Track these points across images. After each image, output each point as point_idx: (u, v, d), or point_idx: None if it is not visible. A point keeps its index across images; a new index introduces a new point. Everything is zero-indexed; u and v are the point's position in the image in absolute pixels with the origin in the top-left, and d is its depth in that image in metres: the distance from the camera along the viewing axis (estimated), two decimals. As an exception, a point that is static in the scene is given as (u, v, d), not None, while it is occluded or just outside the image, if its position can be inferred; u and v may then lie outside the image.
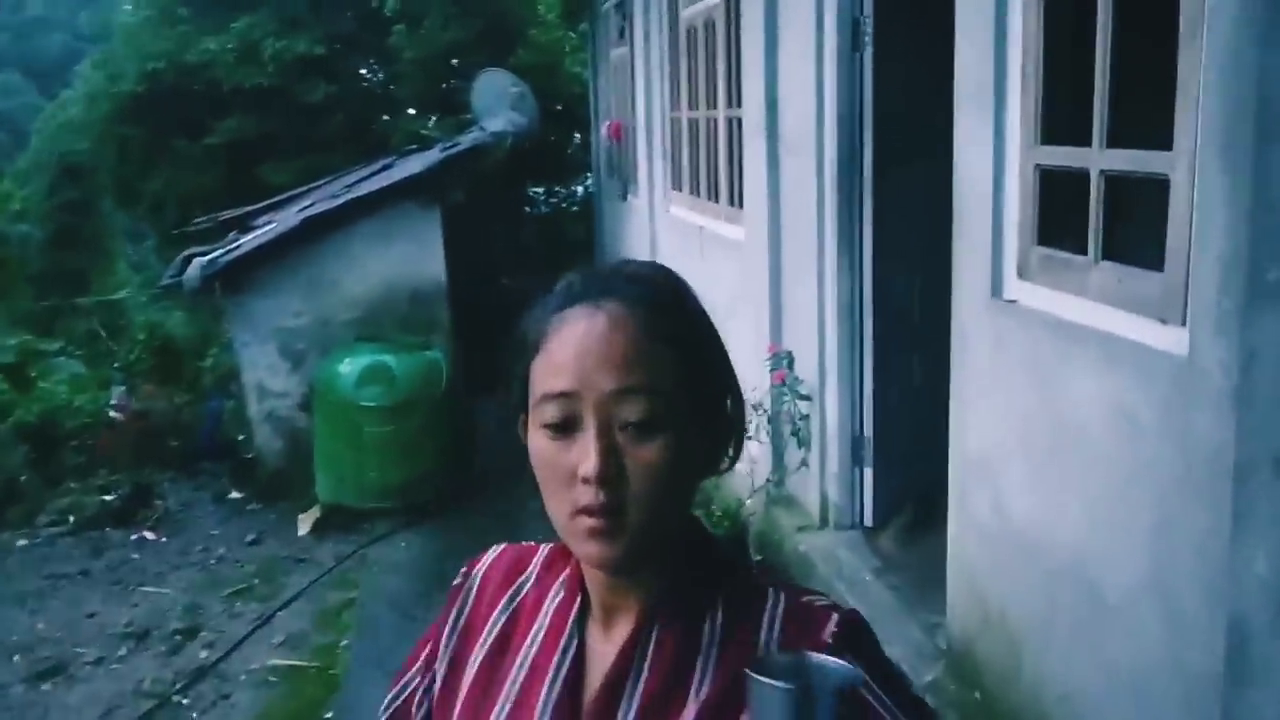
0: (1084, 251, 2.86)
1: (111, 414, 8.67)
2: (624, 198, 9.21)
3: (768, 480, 4.96)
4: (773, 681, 0.89)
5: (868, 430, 4.51)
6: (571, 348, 1.02)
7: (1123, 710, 2.72)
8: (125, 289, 11.56)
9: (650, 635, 1.09)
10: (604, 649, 1.10)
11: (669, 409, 1.02)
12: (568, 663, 1.11)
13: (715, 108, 6.17)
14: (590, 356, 1.01)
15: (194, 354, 9.86)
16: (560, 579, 1.17)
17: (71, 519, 7.36)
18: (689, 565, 1.11)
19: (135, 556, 6.87)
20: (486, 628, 1.18)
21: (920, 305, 4.35)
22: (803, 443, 4.66)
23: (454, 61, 12.17)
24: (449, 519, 7.14)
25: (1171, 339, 2.50)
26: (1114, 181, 2.80)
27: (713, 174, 6.32)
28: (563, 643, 1.12)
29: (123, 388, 9.16)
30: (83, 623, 5.94)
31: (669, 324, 1.05)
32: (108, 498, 7.54)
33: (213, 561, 6.76)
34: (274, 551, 6.87)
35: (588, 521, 1.01)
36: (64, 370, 9.98)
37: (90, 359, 10.30)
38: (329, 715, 4.88)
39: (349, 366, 7.14)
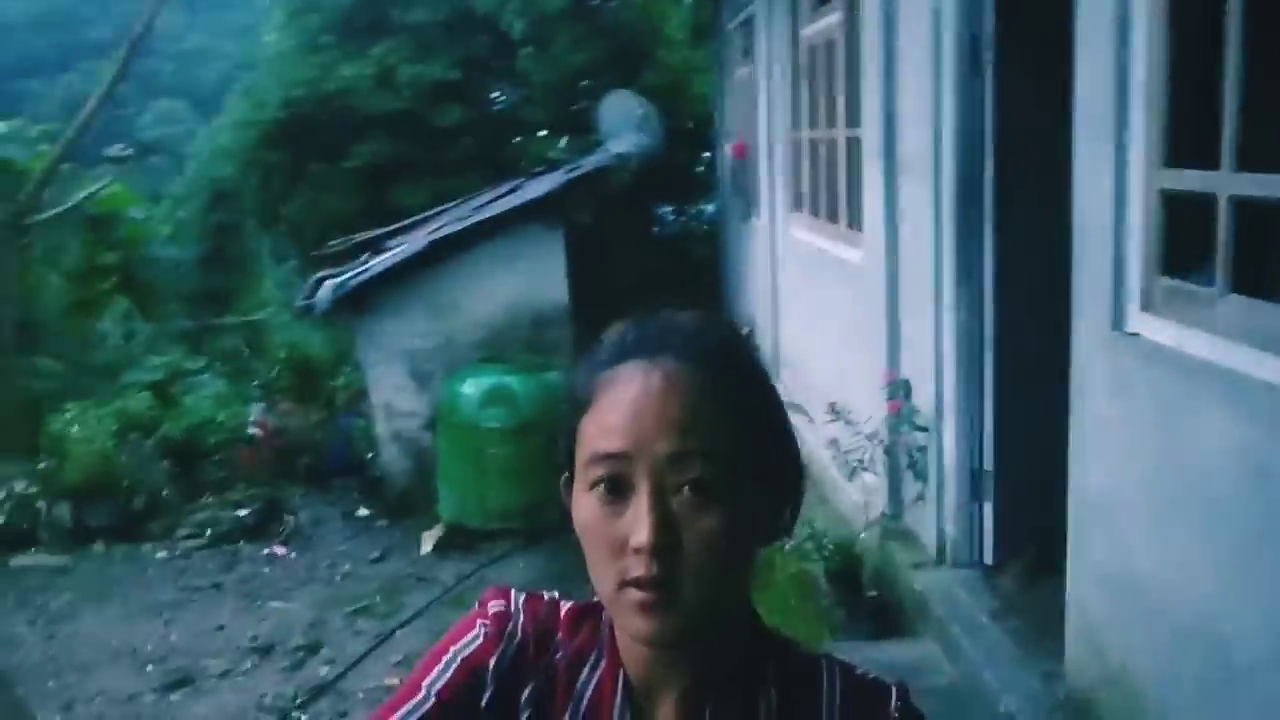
0: (1212, 283, 2.67)
1: (251, 431, 8.97)
2: (747, 219, 9.12)
3: (883, 514, 4.80)
4: None
5: (988, 464, 4.32)
6: (625, 407, 0.96)
7: (1252, 781, 2.52)
8: (267, 309, 12.00)
9: (703, 718, 1.02)
10: None
11: (729, 475, 0.95)
12: None
13: (835, 127, 6.05)
14: (645, 417, 0.95)
15: (328, 373, 10.13)
16: (594, 648, 1.08)
17: (208, 533, 7.62)
18: (739, 640, 1.05)
19: (265, 571, 7.07)
20: (529, 689, 1.07)
21: (1043, 336, 4.14)
22: (920, 475, 4.49)
23: (583, 83, 12.28)
24: (567, 541, 7.08)
25: (1307, 381, 2.31)
26: (1245, 208, 2.61)
27: (832, 195, 6.19)
28: None
29: (262, 405, 9.48)
30: (212, 635, 6.13)
31: (728, 383, 0.98)
32: (243, 513, 7.79)
33: (338, 578, 6.91)
34: (397, 569, 6.99)
35: (638, 595, 0.94)
36: (208, 387, 10.38)
37: (233, 377, 10.69)
38: (440, 738, 4.91)
39: (472, 388, 7.24)
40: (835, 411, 4.94)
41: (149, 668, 5.77)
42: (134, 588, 6.89)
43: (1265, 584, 2.45)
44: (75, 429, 8.41)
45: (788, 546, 4.70)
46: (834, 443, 4.97)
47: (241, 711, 5.27)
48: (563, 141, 11.80)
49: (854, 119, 5.54)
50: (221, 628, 6.21)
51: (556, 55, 11.99)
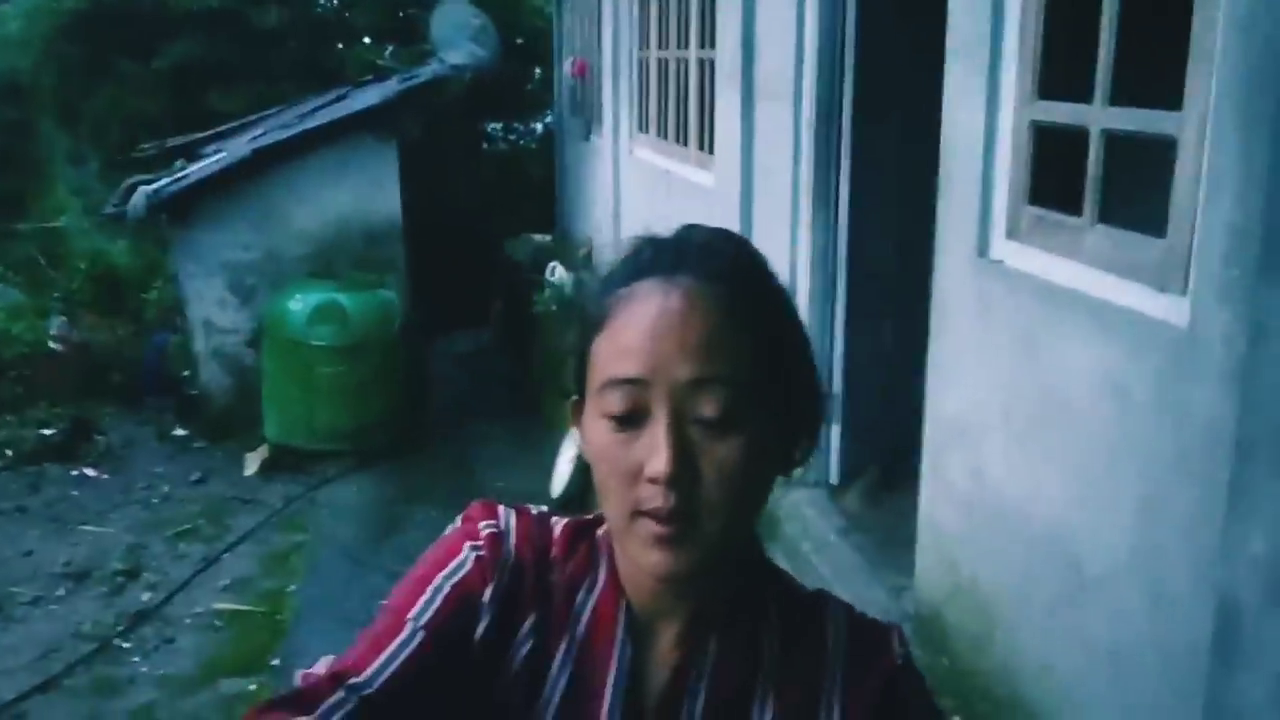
0: (1079, 213, 2.76)
1: (52, 345, 8.38)
2: (587, 138, 9.01)
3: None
4: None
5: (836, 387, 4.42)
6: (642, 329, 0.89)
7: (1100, 686, 2.67)
8: (65, 215, 11.19)
9: (706, 651, 0.98)
10: (657, 657, 0.99)
11: (750, 402, 0.90)
12: (623, 681, 0.97)
13: (686, 48, 6.00)
14: (664, 340, 0.88)
15: (138, 285, 9.56)
16: (590, 570, 1.01)
17: (8, 453, 7.13)
18: (740, 571, 1.01)
19: (75, 493, 6.68)
20: (530, 620, 1.00)
21: (897, 264, 4.25)
22: (769, 397, 4.57)
23: (413, -10, 11.81)
24: (401, 463, 7.02)
25: (1170, 308, 2.41)
26: (1112, 143, 2.70)
27: (682, 117, 6.15)
28: (616, 659, 0.98)
29: (63, 318, 8.86)
30: (19, 561, 5.77)
31: (750, 304, 0.92)
32: (47, 432, 7.31)
33: (156, 500, 6.59)
34: (220, 492, 6.71)
35: (653, 527, 0.89)
36: (1, 298, 9.64)
37: (29, 287, 9.95)
38: (275, 661, 4.76)
39: (300, 304, 6.95)
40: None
41: (-52, 596, 5.39)
42: (-76, 511, 6.39)
43: (1118, 499, 2.58)
44: None
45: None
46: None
47: (56, 639, 4.99)
48: (389, 50, 11.35)
49: (708, 40, 5.49)
50: (30, 553, 5.85)
51: (386, -42, 11.48)
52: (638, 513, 0.89)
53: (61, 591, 5.44)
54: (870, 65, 4.20)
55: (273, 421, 7.10)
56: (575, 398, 0.98)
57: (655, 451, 0.88)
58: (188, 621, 5.17)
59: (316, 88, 10.50)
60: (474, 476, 6.61)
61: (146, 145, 9.33)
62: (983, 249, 3.15)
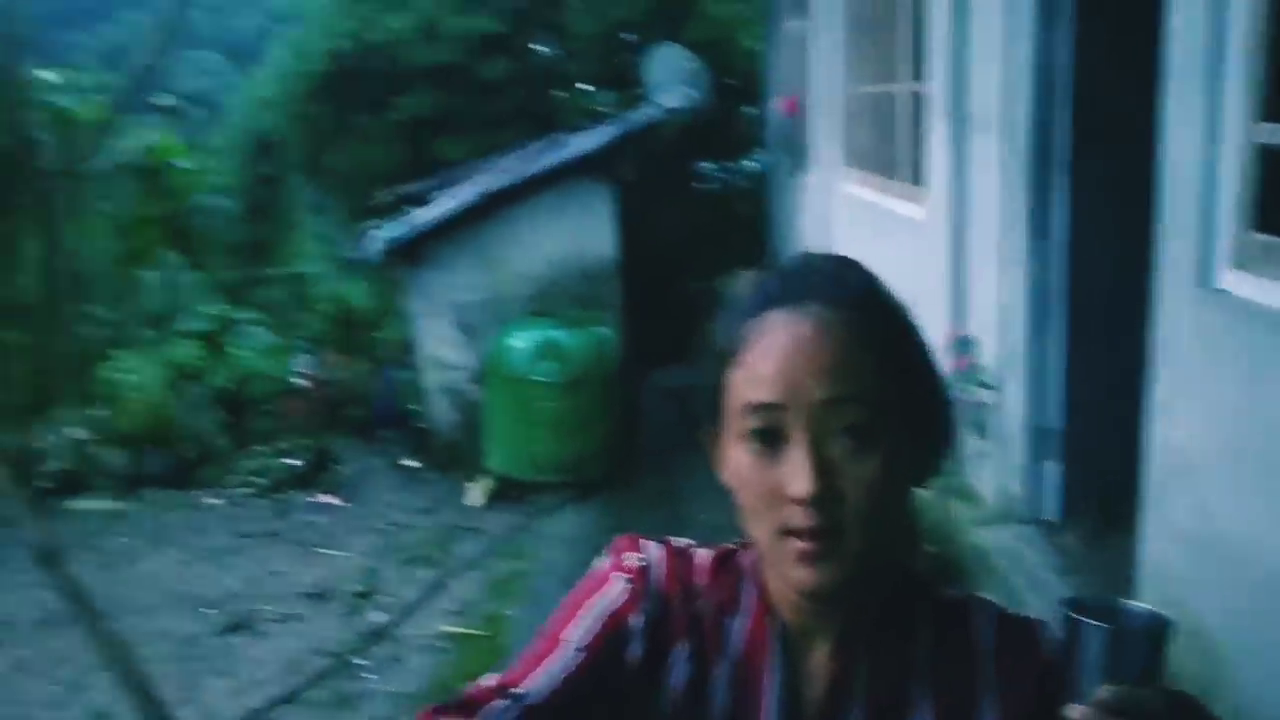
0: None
1: (297, 381, 9.05)
2: (797, 174, 9.05)
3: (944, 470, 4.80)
4: (1093, 622, 0.90)
5: (1055, 421, 4.30)
6: (775, 356, 0.95)
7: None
8: (310, 261, 12.08)
9: (860, 662, 1.02)
10: (813, 672, 1.04)
11: (883, 419, 0.95)
12: (782, 699, 1.03)
13: (895, 82, 5.98)
14: (797, 364, 0.94)
15: (373, 325, 10.18)
16: (738, 596, 1.07)
17: (260, 481, 7.71)
18: (889, 582, 1.04)
19: (317, 519, 7.15)
20: (680, 649, 1.07)
21: (1117, 292, 4.10)
22: (983, 432, 4.48)
23: (627, 37, 12.17)
24: (614, 495, 7.20)
25: None
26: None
27: (891, 151, 6.13)
28: (772, 678, 1.04)
29: (307, 356, 9.54)
30: (268, 580, 6.22)
31: (875, 326, 0.98)
32: (292, 462, 7.87)
33: (389, 527, 6.98)
34: (446, 520, 7.05)
35: (799, 545, 0.94)
36: (255, 338, 10.44)
37: (277, 328, 10.75)
38: (495, 683, 4.96)
39: (522, 341, 7.26)
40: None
41: (208, 611, 5.86)
42: (190, 533, 6.99)
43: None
44: (127, 377, 8.51)
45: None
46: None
47: (299, 655, 5.35)
48: (607, 96, 11.72)
49: (917, 72, 5.47)
50: (277, 574, 6.29)
51: (601, 8, 11.88)
52: (784, 532, 0.95)
53: (304, 610, 5.83)
54: (1085, 92, 4.10)
55: (496, 454, 7.42)
56: (711, 429, 1.04)
57: (796, 472, 0.93)
58: (415, 642, 5.44)
59: (537, 134, 10.96)
60: (680, 509, 6.71)
61: (381, 194, 9.95)
62: (1206, 278, 3.03)
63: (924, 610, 1.05)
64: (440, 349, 8.00)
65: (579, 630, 1.04)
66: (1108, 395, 4.19)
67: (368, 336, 10.10)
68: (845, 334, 0.95)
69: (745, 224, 11.03)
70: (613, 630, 1.05)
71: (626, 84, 11.20)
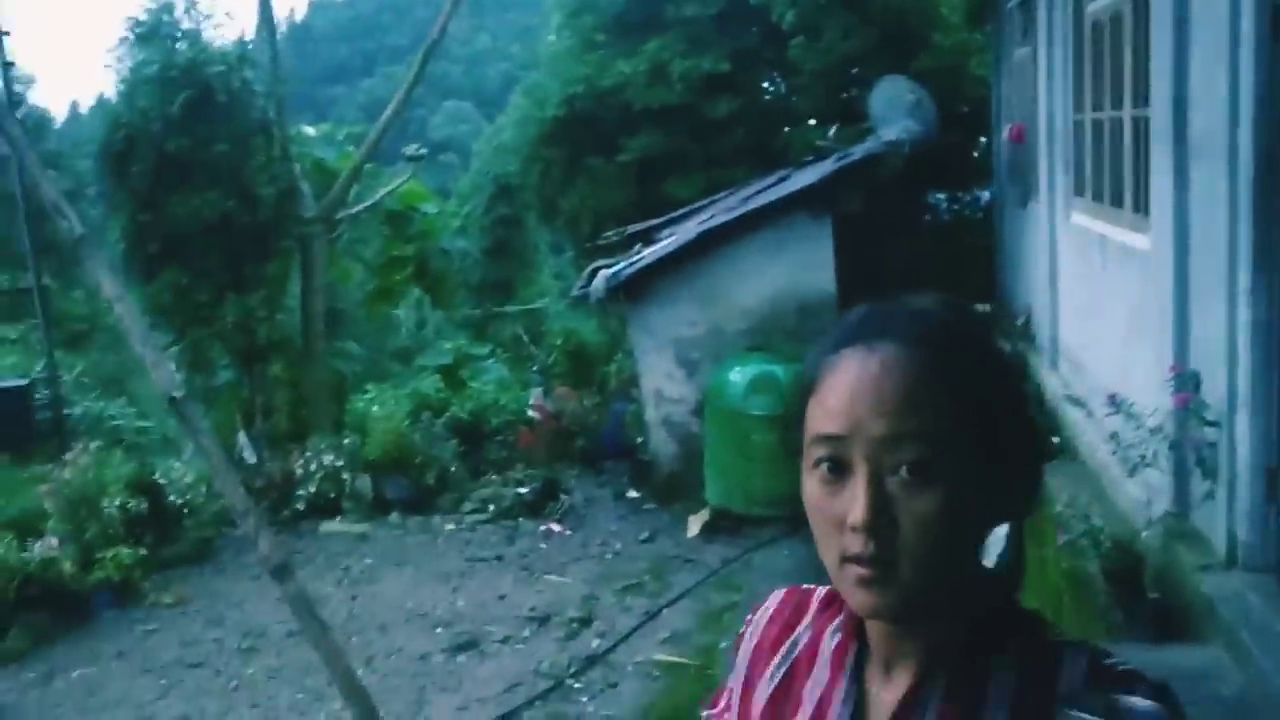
0: None
1: (530, 413, 9.48)
2: (1024, 204, 8.79)
3: (1166, 512, 4.54)
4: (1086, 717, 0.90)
5: (1289, 467, 4.02)
6: (843, 390, 1.00)
7: None
8: (544, 298, 12.61)
9: (932, 690, 1.06)
10: (884, 698, 1.09)
11: (946, 457, 0.98)
12: (849, 714, 1.10)
13: (1120, 108, 5.75)
14: (860, 401, 0.99)
15: (602, 359, 10.54)
16: (836, 621, 1.15)
17: (491, 508, 8.13)
18: (978, 618, 1.08)
19: (542, 546, 7.47)
20: (769, 673, 1.18)
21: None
22: (1209, 473, 4.23)
23: (853, 71, 12.15)
24: (831, 530, 7.15)
25: None
26: None
27: (1117, 179, 5.89)
28: (841, 693, 1.11)
29: (540, 389, 9.99)
30: (494, 603, 6.55)
31: (947, 364, 1.00)
32: (522, 490, 8.25)
33: (609, 556, 7.21)
34: (664, 550, 7.21)
35: (855, 570, 1.00)
36: (491, 372, 11.01)
37: (513, 362, 11.30)
38: (705, 713, 5.04)
39: (739, 375, 7.36)
40: (1116, 404, 4.72)
41: (439, 630, 6.23)
42: (425, 556, 7.45)
43: None
44: (375, 409, 9.16)
45: (1061, 541, 4.54)
46: (1114, 437, 4.74)
47: (521, 675, 5.60)
48: (832, 130, 11.72)
49: (1142, 98, 5.25)
50: (503, 597, 6.61)
51: (827, 44, 11.91)
52: (845, 558, 1.00)
53: (526, 633, 6.10)
54: (1318, 114, 3.85)
55: (713, 486, 7.54)
56: (799, 455, 1.09)
57: (855, 502, 0.98)
58: (630, 668, 5.60)
59: (763, 171, 11.09)
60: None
61: (610, 233, 10.32)
62: None
63: (1014, 649, 1.06)
64: (662, 383, 8.21)
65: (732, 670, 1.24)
66: (1348, 435, 3.89)
67: (597, 370, 10.48)
68: (912, 372, 0.99)
69: (975, 255, 10.77)
70: (737, 665, 1.22)
71: (851, 118, 11.18)
